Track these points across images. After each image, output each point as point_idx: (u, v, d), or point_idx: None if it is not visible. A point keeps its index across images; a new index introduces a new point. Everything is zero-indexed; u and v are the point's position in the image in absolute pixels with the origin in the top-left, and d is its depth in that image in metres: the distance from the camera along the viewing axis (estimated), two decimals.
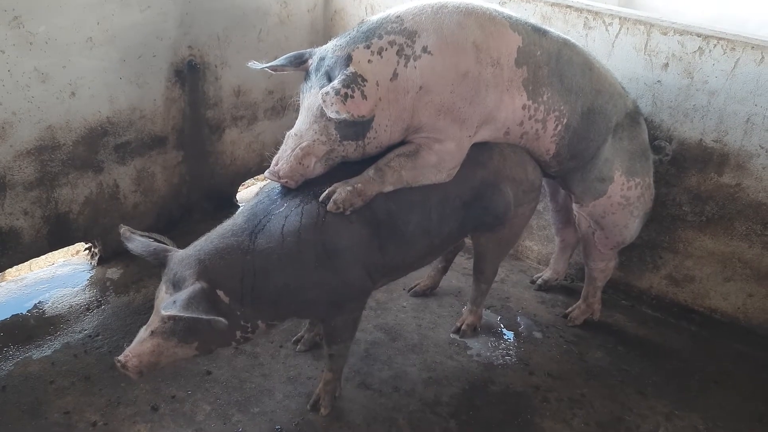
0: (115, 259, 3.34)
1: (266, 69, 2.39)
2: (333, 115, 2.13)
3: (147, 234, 2.30)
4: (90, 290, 3.17)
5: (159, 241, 2.29)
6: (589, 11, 3.07)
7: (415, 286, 3.33)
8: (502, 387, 2.81)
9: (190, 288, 2.04)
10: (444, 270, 3.31)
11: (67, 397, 2.56)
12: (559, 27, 3.13)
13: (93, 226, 3.24)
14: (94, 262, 3.36)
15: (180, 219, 3.64)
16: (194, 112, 3.50)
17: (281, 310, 2.29)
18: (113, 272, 3.30)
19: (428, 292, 3.34)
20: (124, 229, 2.28)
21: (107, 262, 3.35)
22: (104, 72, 3.03)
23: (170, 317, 2.06)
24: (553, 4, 3.15)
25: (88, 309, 3.05)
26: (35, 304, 3.05)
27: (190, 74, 3.39)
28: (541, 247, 3.64)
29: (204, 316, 1.99)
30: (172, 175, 3.52)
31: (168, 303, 2.01)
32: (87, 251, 3.41)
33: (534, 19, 3.14)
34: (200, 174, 3.67)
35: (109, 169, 3.22)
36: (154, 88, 3.26)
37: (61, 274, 3.28)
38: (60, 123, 2.94)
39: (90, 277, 3.27)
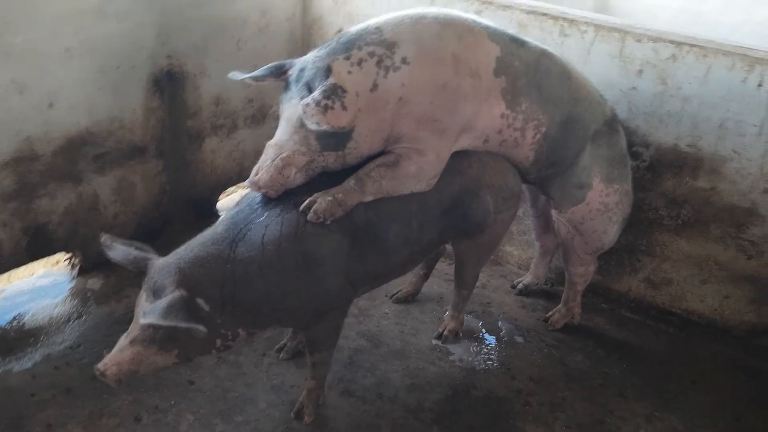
0: (96, 269, 3.31)
1: (246, 80, 2.41)
2: (313, 127, 2.15)
3: (128, 242, 2.31)
4: (70, 301, 3.15)
5: (140, 249, 2.30)
6: (564, 19, 3.11)
7: (397, 292, 3.35)
8: (485, 392, 2.83)
9: (170, 296, 2.05)
10: (425, 276, 3.33)
11: (48, 410, 2.55)
12: (535, 35, 3.16)
13: (73, 237, 3.22)
14: (75, 272, 3.34)
15: (161, 228, 3.63)
16: (174, 122, 3.49)
17: (262, 319, 2.30)
18: (94, 282, 3.28)
19: (410, 299, 3.36)
20: (104, 237, 2.28)
21: (88, 272, 3.32)
22: (82, 83, 3.02)
23: (150, 325, 2.07)
24: (529, 12, 3.19)
25: (68, 320, 3.03)
26: (15, 316, 3.02)
27: (169, 84, 3.38)
28: (521, 252, 3.68)
29: (183, 325, 2.00)
30: (152, 184, 3.51)
31: (147, 311, 2.02)
32: (67, 262, 3.39)
33: (511, 27, 3.19)
34: (180, 183, 3.66)
35: (89, 179, 3.20)
36: (133, 98, 3.25)
37: (41, 286, 3.25)
38: (38, 134, 2.93)
39: (70, 288, 3.24)
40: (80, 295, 3.20)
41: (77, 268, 3.34)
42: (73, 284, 3.28)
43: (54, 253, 3.25)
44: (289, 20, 3.96)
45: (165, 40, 3.30)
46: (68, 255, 3.36)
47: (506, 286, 3.56)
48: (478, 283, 3.44)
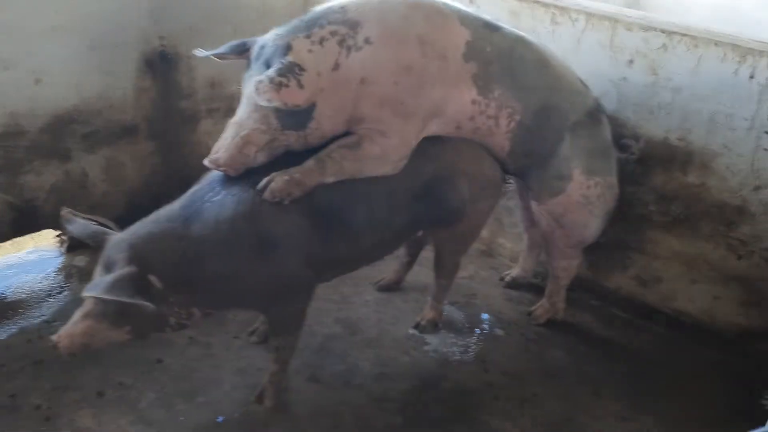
0: (83, 247, 3.34)
1: (212, 57, 2.40)
2: (264, 103, 2.13)
3: (89, 217, 2.34)
4: (55, 277, 3.21)
5: (100, 225, 2.31)
6: (555, 6, 3.03)
7: (381, 280, 3.31)
8: (454, 384, 2.78)
9: (118, 272, 2.05)
10: (409, 264, 3.28)
11: (15, 381, 2.58)
12: (526, 22, 3.09)
13: (60, 214, 3.26)
14: (63, 249, 3.39)
15: (152, 209, 3.60)
16: (166, 103, 3.50)
17: (217, 299, 2.29)
18: (80, 260, 3.33)
19: (394, 287, 3.31)
20: (65, 211, 2.32)
21: (75, 249, 3.37)
22: (71, 60, 3.05)
23: (96, 299, 2.07)
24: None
25: (49, 295, 3.08)
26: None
27: (161, 64, 3.39)
28: (513, 244, 3.60)
29: (127, 300, 2.00)
30: (143, 164, 3.53)
31: (92, 285, 2.03)
32: (57, 238, 3.44)
33: (503, 15, 3.13)
34: (173, 164, 3.66)
35: (77, 157, 3.23)
36: (123, 78, 3.28)
37: (29, 260, 3.32)
38: (24, 110, 2.97)
39: (57, 264, 3.30)
40: (65, 271, 3.25)
41: (65, 245, 3.39)
42: (60, 261, 3.33)
43: (41, 229, 3.29)
44: (290, 4, 3.93)
45: (158, 20, 3.31)
46: (58, 232, 3.41)
47: (495, 278, 3.49)
48: (465, 274, 3.41)
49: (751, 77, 2.65)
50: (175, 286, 2.17)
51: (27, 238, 3.41)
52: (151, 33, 3.31)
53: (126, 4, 3.17)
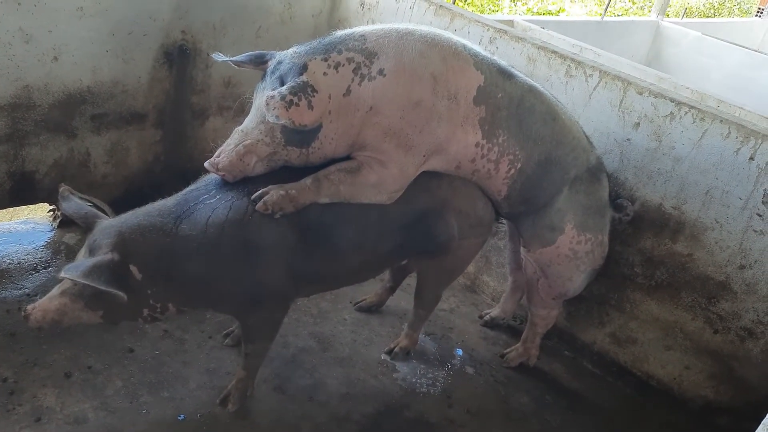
0: (75, 224, 3.36)
1: (229, 63, 2.44)
2: (272, 120, 2.17)
3: (86, 197, 2.37)
4: (43, 251, 3.24)
5: (98, 208, 2.35)
6: (572, 59, 3.07)
7: (361, 301, 3.35)
8: (417, 415, 2.80)
9: (100, 257, 2.09)
10: (392, 290, 3.32)
11: None
12: (542, 71, 3.14)
13: (58, 190, 3.29)
14: (55, 224, 3.42)
15: (150, 197, 3.64)
16: (178, 95, 3.54)
17: (194, 298, 2.33)
18: (70, 237, 3.37)
19: (373, 309, 3.35)
20: (63, 188, 2.35)
21: (68, 226, 3.41)
22: (91, 42, 3.09)
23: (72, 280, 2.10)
24: (539, 47, 3.16)
25: (35, 269, 3.10)
26: None
27: (179, 58, 3.44)
28: (497, 283, 3.63)
29: (101, 287, 2.03)
30: (147, 152, 3.57)
31: (71, 267, 2.05)
32: (51, 213, 3.48)
33: (520, 60, 3.19)
34: (177, 156, 3.71)
35: (83, 136, 3.27)
36: (140, 66, 3.32)
37: (20, 231, 3.35)
38: (38, 84, 3.01)
39: (47, 239, 3.33)
40: (53, 246, 3.28)
41: (58, 220, 3.42)
42: (50, 235, 3.36)
43: (37, 201, 3.33)
44: (315, 17, 3.99)
45: (182, 14, 3.36)
46: (51, 207, 3.44)
47: (474, 314, 3.51)
48: (446, 307, 3.43)
49: (751, 159, 2.69)
50: (154, 280, 2.21)
51: (24, 207, 3.46)
52: (174, 26, 3.36)
53: None
